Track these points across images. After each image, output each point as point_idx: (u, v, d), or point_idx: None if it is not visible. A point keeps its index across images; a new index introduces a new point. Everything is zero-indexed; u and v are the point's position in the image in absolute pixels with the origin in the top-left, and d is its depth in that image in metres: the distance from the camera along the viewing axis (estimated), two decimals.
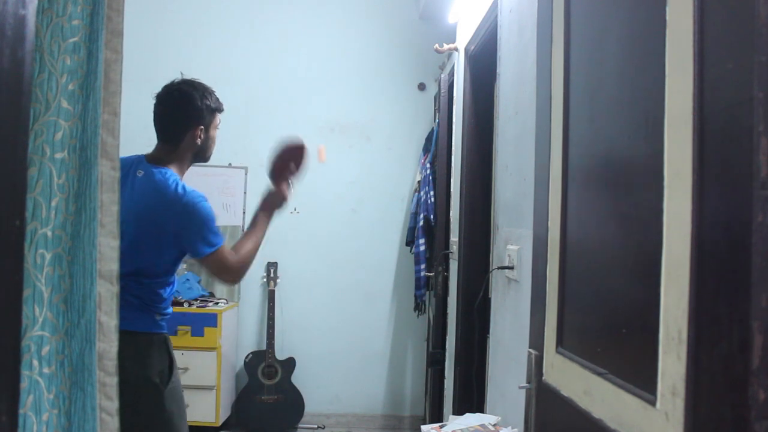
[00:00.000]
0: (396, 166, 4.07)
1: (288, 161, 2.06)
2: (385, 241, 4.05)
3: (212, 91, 1.96)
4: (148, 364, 1.78)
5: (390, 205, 4.06)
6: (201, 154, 1.98)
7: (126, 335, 1.73)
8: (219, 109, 1.97)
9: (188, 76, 1.98)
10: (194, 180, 4.11)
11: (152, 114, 1.93)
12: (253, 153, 4.01)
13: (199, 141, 1.92)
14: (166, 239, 1.82)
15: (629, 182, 0.90)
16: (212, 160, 4.06)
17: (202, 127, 1.91)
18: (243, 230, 3.93)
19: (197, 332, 3.47)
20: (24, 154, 0.73)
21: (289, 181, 2.06)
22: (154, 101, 1.93)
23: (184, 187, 1.84)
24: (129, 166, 1.86)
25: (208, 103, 1.92)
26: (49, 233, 0.88)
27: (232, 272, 1.91)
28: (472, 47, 2.74)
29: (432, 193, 3.47)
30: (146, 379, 1.77)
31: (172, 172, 1.88)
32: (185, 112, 1.89)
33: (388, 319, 4.07)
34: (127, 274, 1.77)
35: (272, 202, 2.04)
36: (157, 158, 1.90)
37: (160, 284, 1.86)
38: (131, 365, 1.73)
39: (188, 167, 1.98)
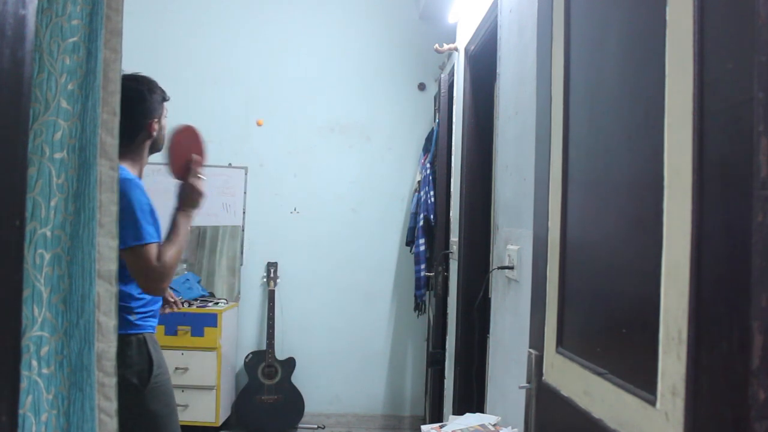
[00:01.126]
0: (396, 166, 4.07)
1: (186, 151, 1.88)
2: (385, 241, 4.05)
3: (155, 82, 1.94)
4: (126, 365, 1.75)
5: (390, 205, 4.06)
6: (156, 145, 1.95)
7: None
8: (165, 98, 1.96)
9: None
10: None
11: None
12: (253, 153, 4.01)
13: (154, 133, 1.91)
14: None
15: (629, 182, 0.90)
16: (212, 160, 4.08)
17: (155, 119, 1.90)
18: (243, 230, 3.95)
19: (197, 332, 3.48)
20: (24, 154, 0.73)
21: (196, 172, 1.87)
22: None
23: (126, 177, 1.75)
24: None
25: (155, 95, 1.91)
26: (49, 233, 0.88)
27: (153, 275, 1.73)
28: (472, 47, 2.74)
29: (432, 193, 3.47)
30: (123, 379, 1.73)
31: (121, 166, 1.84)
32: (138, 109, 1.87)
33: (388, 319, 4.07)
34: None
35: (186, 199, 1.87)
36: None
37: (123, 282, 1.78)
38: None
39: (146, 161, 1.95)
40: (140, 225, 1.73)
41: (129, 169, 1.85)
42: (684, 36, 0.73)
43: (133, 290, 1.83)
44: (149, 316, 1.88)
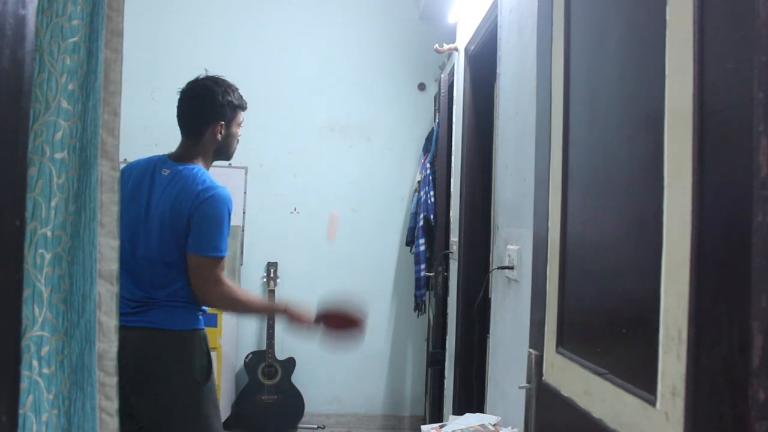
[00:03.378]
0: (396, 166, 4.07)
1: (340, 323, 2.00)
2: (385, 241, 4.05)
3: (236, 88, 1.96)
4: (192, 360, 1.79)
5: (390, 205, 4.06)
6: (223, 151, 1.97)
7: (170, 334, 1.77)
8: (242, 106, 1.97)
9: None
10: None
11: (176, 110, 1.94)
12: (253, 153, 4.01)
13: (219, 137, 1.91)
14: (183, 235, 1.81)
15: (629, 182, 0.90)
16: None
17: (222, 122, 1.91)
18: (243, 230, 3.94)
19: None
20: (24, 154, 0.73)
21: (321, 331, 1.99)
22: (178, 97, 1.93)
23: (214, 182, 1.84)
24: (152, 166, 1.87)
25: (230, 99, 1.92)
26: (49, 233, 0.88)
27: (214, 292, 1.80)
28: (472, 47, 2.74)
29: (432, 193, 3.47)
30: (187, 375, 1.77)
31: (199, 167, 1.88)
32: (206, 107, 1.89)
33: (388, 319, 4.07)
34: (168, 279, 1.79)
35: (292, 317, 1.99)
36: (181, 156, 1.89)
37: None
38: (174, 363, 1.77)
39: (211, 164, 1.97)
40: (222, 238, 1.80)
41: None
42: (684, 36, 0.73)
43: None
44: (204, 314, 1.91)
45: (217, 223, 1.79)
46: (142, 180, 1.86)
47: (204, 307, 1.89)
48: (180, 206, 1.79)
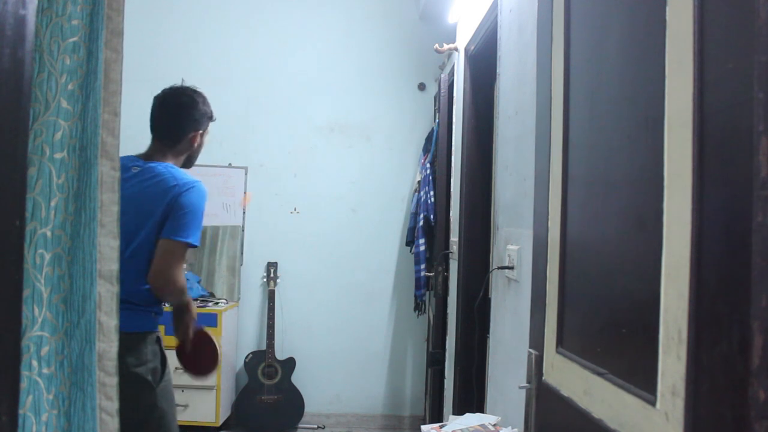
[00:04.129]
0: (396, 166, 4.07)
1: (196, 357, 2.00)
2: (385, 241, 4.05)
3: (207, 98, 2.03)
4: (144, 362, 1.79)
5: (390, 205, 4.06)
6: (191, 159, 2.04)
7: (122, 335, 1.75)
8: (213, 117, 2.04)
9: (188, 81, 2.04)
10: None
11: (150, 113, 1.96)
12: (253, 153, 4.01)
13: (195, 145, 1.99)
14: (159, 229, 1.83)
15: (629, 182, 0.90)
16: (212, 160, 4.08)
17: (201, 132, 1.99)
18: (243, 230, 3.94)
19: None
20: (24, 154, 0.73)
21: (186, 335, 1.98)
22: (153, 102, 1.96)
23: (191, 177, 1.88)
24: (122, 167, 1.88)
25: (207, 110, 2.00)
26: (49, 233, 0.88)
27: (178, 275, 1.82)
28: (472, 47, 2.74)
29: (432, 193, 3.47)
30: (138, 376, 1.78)
31: (175, 166, 1.92)
32: (190, 115, 1.95)
33: (388, 319, 4.07)
34: (134, 278, 1.79)
35: (182, 320, 1.98)
36: (151, 155, 1.93)
37: None
38: (123, 365, 1.74)
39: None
40: (196, 228, 1.84)
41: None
42: (684, 36, 0.73)
43: None
44: (161, 314, 1.94)
45: (196, 214, 1.84)
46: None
47: (161, 306, 1.91)
48: (153, 200, 1.81)
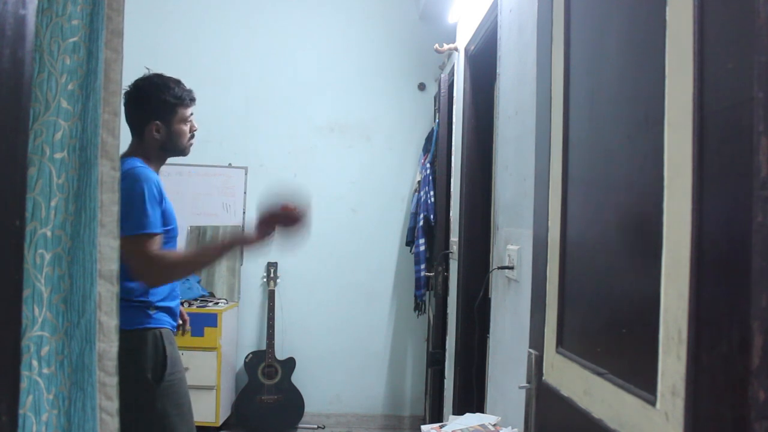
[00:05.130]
0: (396, 166, 4.07)
1: (280, 218, 1.83)
2: (385, 241, 4.05)
3: (173, 85, 1.91)
4: (141, 359, 1.75)
5: (390, 205, 4.06)
6: (170, 148, 1.93)
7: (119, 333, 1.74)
8: (182, 103, 1.91)
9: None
10: (194, 180, 4.11)
11: None
12: (253, 153, 4.01)
13: (157, 135, 1.89)
14: None
15: (629, 182, 0.90)
16: (212, 160, 4.08)
17: (158, 122, 1.88)
18: (243, 230, 3.95)
19: (197, 332, 3.47)
20: (24, 154, 0.73)
21: (269, 235, 1.82)
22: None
23: (135, 167, 1.79)
24: None
25: (165, 98, 1.88)
26: (49, 233, 0.88)
27: (150, 267, 1.70)
28: (472, 47, 2.74)
29: (432, 193, 3.47)
30: (137, 374, 1.73)
31: (131, 159, 1.85)
32: (139, 108, 1.89)
33: (388, 319, 4.07)
34: (127, 275, 1.76)
35: (242, 240, 1.85)
36: (126, 153, 1.87)
37: None
38: (122, 362, 1.73)
39: (162, 162, 1.96)
40: (146, 214, 1.72)
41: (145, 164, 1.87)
42: (684, 36, 0.73)
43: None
44: (167, 312, 1.88)
45: (134, 199, 1.71)
46: None
47: (166, 303, 1.85)
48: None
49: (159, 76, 1.93)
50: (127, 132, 1.91)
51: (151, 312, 1.82)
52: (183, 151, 1.98)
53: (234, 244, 1.85)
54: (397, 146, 4.07)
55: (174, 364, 1.83)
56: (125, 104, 1.89)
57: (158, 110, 1.89)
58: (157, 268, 1.74)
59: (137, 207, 1.72)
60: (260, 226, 1.79)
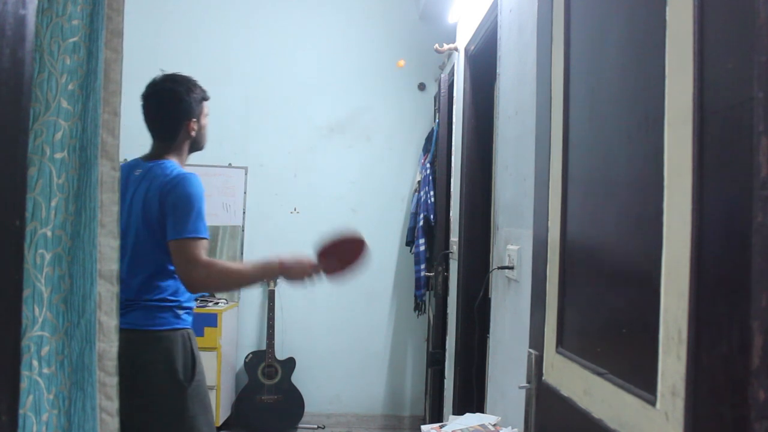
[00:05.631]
0: (396, 166, 4.07)
1: (340, 253, 1.83)
2: (385, 241, 4.05)
3: (195, 81, 1.97)
4: (172, 360, 1.76)
5: (390, 205, 4.06)
6: (196, 145, 2.00)
7: (151, 335, 1.75)
8: (205, 97, 1.99)
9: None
10: None
11: (142, 114, 1.95)
12: (253, 153, 4.01)
13: (193, 133, 1.95)
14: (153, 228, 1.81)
15: (629, 182, 0.90)
16: (212, 160, 4.08)
17: (194, 119, 1.94)
18: (243, 230, 3.94)
19: (197, 332, 3.43)
20: (24, 154, 0.73)
21: (323, 272, 1.83)
22: (141, 101, 1.94)
23: (181, 170, 1.86)
24: (127, 170, 1.89)
25: (194, 95, 1.94)
26: (49, 233, 0.88)
27: (199, 271, 1.71)
28: (472, 47, 2.74)
29: (432, 193, 3.47)
30: (169, 375, 1.75)
31: (170, 161, 1.90)
32: (175, 109, 1.91)
33: (388, 319, 4.07)
34: (145, 278, 1.79)
35: (289, 269, 1.81)
36: (155, 155, 1.92)
37: (175, 277, 1.82)
38: (155, 364, 1.75)
39: (186, 159, 2.00)
40: (201, 218, 1.75)
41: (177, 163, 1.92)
42: (684, 36, 0.73)
43: (177, 285, 1.83)
44: (191, 313, 1.91)
45: (190, 204, 1.74)
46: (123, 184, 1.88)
47: (190, 304, 1.88)
48: (151, 199, 1.80)
49: (180, 75, 1.95)
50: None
51: (180, 312, 1.83)
52: (203, 146, 2.03)
53: (281, 269, 1.81)
54: (397, 146, 4.07)
55: (200, 363, 1.85)
56: (152, 108, 1.91)
57: (192, 108, 1.93)
58: (205, 273, 1.73)
59: (195, 211, 1.75)
60: (320, 257, 1.82)
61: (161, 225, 1.78)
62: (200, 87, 1.98)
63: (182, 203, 1.75)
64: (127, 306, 1.76)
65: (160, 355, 1.75)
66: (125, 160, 1.77)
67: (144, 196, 1.82)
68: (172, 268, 1.80)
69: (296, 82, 4.04)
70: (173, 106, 1.91)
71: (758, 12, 0.60)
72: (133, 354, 1.70)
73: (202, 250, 1.74)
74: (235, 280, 1.85)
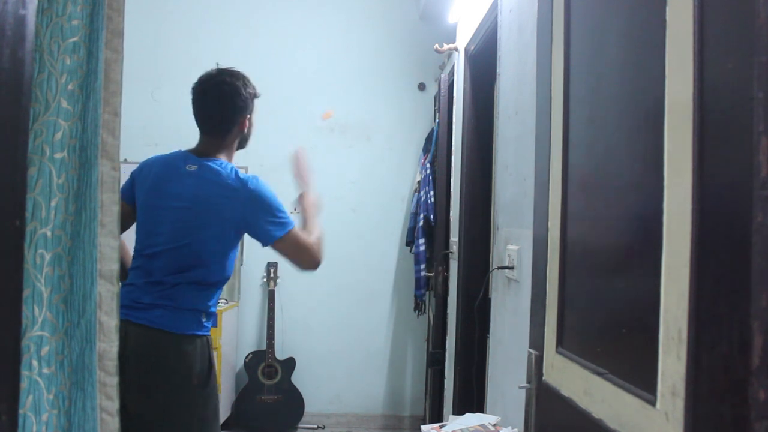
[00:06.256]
0: (396, 166, 4.07)
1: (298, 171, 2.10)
2: (385, 241, 4.05)
3: (248, 77, 1.93)
4: (190, 365, 1.75)
5: (390, 205, 4.06)
6: (244, 142, 1.98)
7: (172, 337, 1.74)
8: (257, 94, 1.95)
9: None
10: None
11: (192, 107, 1.88)
12: (253, 153, 3.99)
13: (246, 130, 1.93)
14: (227, 231, 1.79)
15: (629, 182, 0.90)
16: None
17: (248, 115, 1.91)
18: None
19: None
20: (24, 154, 0.73)
21: (303, 188, 2.09)
22: (192, 94, 1.87)
23: (241, 174, 1.85)
24: (174, 162, 1.84)
25: (251, 90, 1.90)
26: (49, 233, 0.88)
27: (311, 251, 1.85)
28: (472, 47, 2.74)
29: (432, 193, 3.47)
30: (185, 379, 1.74)
31: (226, 162, 1.87)
32: (235, 104, 1.86)
33: (388, 319, 4.07)
34: (189, 282, 1.76)
35: (313, 203, 2.09)
36: (206, 152, 1.86)
37: (216, 284, 1.83)
38: (175, 366, 1.73)
39: (234, 155, 1.98)
40: (280, 215, 1.83)
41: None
42: (684, 36, 0.73)
43: (212, 293, 1.83)
44: (213, 319, 1.88)
45: (274, 202, 1.83)
46: (165, 175, 1.83)
47: (214, 310, 1.86)
48: (216, 207, 1.77)
49: (236, 70, 1.91)
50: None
51: (203, 319, 1.81)
52: (246, 144, 2.04)
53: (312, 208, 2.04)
54: (397, 146, 4.07)
55: (215, 372, 1.83)
56: (210, 101, 1.85)
57: (248, 104, 1.90)
58: (316, 248, 1.88)
59: (279, 207, 1.84)
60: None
61: (221, 224, 1.77)
62: (252, 84, 1.93)
63: (267, 205, 1.81)
64: (155, 305, 1.73)
65: (179, 358, 1.74)
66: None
67: (201, 192, 1.77)
68: (214, 278, 1.80)
69: (296, 82, 4.04)
70: (232, 100, 1.85)
71: (758, 12, 0.60)
72: (153, 353, 1.72)
73: (300, 233, 1.87)
74: (321, 235, 1.96)
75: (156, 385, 1.72)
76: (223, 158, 1.88)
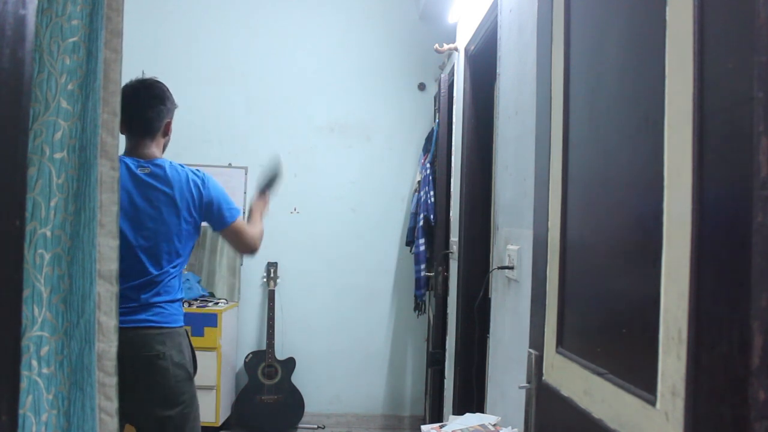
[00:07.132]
0: (396, 166, 4.07)
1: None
2: (385, 241, 4.05)
3: None
4: (184, 354, 1.91)
5: (390, 205, 4.06)
6: (165, 147, 2.07)
7: (165, 331, 1.86)
8: (176, 104, 2.09)
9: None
10: None
11: (122, 112, 1.91)
12: (253, 153, 4.01)
13: (170, 133, 2.04)
14: (193, 224, 1.95)
15: (629, 182, 0.90)
16: (212, 160, 4.08)
17: (171, 120, 2.02)
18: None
19: (197, 332, 3.47)
20: (24, 154, 0.73)
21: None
22: (122, 99, 1.93)
23: (194, 169, 2.00)
24: (124, 165, 1.89)
25: (173, 98, 2.03)
26: (49, 233, 0.88)
27: (255, 238, 2.09)
28: (472, 47, 2.74)
29: (432, 193, 3.47)
30: (184, 368, 1.89)
31: (168, 160, 1.97)
32: (164, 106, 1.97)
33: (388, 319, 4.06)
34: (166, 276, 1.89)
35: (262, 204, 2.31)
36: (149, 153, 1.95)
37: (178, 277, 1.98)
38: (172, 357, 1.87)
39: None
40: (232, 203, 2.05)
41: None
42: (684, 36, 0.73)
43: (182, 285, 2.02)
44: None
45: (224, 192, 2.04)
46: (130, 185, 1.91)
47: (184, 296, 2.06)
48: (182, 203, 1.90)
49: (159, 79, 2.04)
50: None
51: (180, 309, 1.96)
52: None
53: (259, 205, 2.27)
54: (397, 146, 4.07)
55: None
56: (146, 102, 1.95)
57: (172, 109, 2.03)
58: (258, 235, 2.13)
59: (227, 197, 2.04)
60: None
61: (188, 218, 1.92)
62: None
63: (219, 194, 2.00)
64: (142, 305, 1.85)
65: (175, 349, 1.87)
66: None
67: (167, 195, 1.88)
68: (178, 268, 1.94)
69: (296, 82, 4.04)
70: (164, 103, 1.97)
71: (758, 12, 0.60)
72: (149, 348, 1.83)
73: (244, 221, 2.11)
74: (262, 231, 2.20)
75: (157, 379, 1.86)
76: (162, 157, 1.98)
